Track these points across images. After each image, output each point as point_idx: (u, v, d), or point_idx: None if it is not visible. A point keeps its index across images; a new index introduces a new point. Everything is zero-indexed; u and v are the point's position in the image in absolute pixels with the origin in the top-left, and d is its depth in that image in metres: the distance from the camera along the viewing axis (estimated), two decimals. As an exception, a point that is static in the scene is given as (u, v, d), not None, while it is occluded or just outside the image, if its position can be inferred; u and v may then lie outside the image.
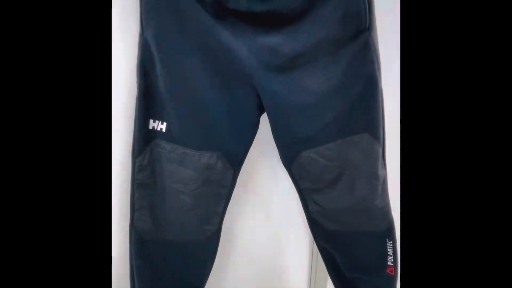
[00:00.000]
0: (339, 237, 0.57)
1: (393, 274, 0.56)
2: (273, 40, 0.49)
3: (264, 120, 0.56)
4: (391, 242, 0.55)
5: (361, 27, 0.49)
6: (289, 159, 0.55)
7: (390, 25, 0.57)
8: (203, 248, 0.57)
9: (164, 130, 0.52)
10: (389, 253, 0.55)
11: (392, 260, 0.55)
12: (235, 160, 0.56)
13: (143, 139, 0.52)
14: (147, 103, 0.52)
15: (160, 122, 0.52)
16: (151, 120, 0.52)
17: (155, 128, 0.52)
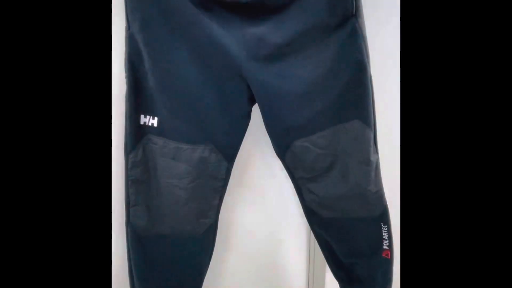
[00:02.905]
0: (335, 225, 0.57)
1: (389, 257, 0.57)
2: (260, 29, 0.49)
3: (257, 111, 0.56)
4: (386, 226, 0.56)
5: (348, 13, 0.49)
6: (282, 149, 0.56)
7: (389, 17, 0.57)
8: (200, 242, 0.57)
9: (155, 125, 0.52)
10: (384, 237, 0.56)
11: (388, 244, 0.56)
12: (228, 152, 0.56)
13: (135, 135, 0.52)
14: (137, 98, 0.51)
15: (151, 117, 0.52)
16: (142, 116, 0.52)
17: (147, 123, 0.52)
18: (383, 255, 0.56)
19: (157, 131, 0.52)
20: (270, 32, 0.49)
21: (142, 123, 0.52)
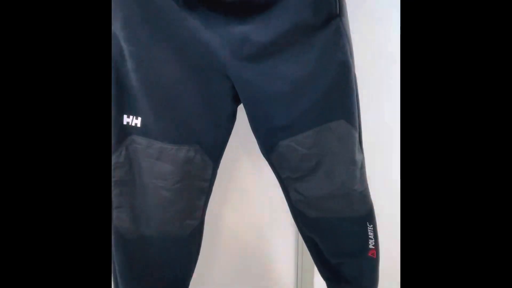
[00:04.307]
0: (321, 224, 0.57)
1: (374, 257, 0.57)
2: (245, 29, 0.48)
3: (243, 110, 0.55)
4: (371, 225, 0.56)
5: (332, 13, 0.49)
6: (268, 149, 0.55)
7: (390, 18, 0.58)
8: (186, 243, 0.57)
9: (139, 125, 0.51)
10: (370, 236, 0.56)
11: (374, 243, 0.56)
12: (214, 152, 0.56)
13: (118, 135, 0.51)
14: (120, 98, 0.51)
15: (134, 117, 0.51)
16: (125, 116, 0.51)
17: (130, 124, 0.51)
18: (369, 254, 0.57)
19: (141, 131, 0.51)
20: (255, 31, 0.48)
21: (125, 123, 0.51)
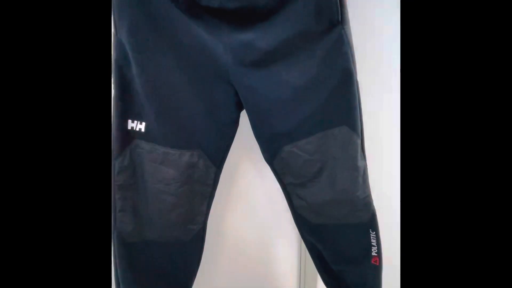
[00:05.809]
0: (323, 230, 0.57)
1: (377, 264, 0.56)
2: (247, 36, 0.49)
3: (246, 116, 0.56)
4: (374, 232, 0.56)
5: (333, 20, 0.49)
6: (271, 155, 0.56)
7: (391, 25, 0.58)
8: (188, 248, 0.57)
9: (143, 130, 0.52)
10: (373, 243, 0.56)
11: (376, 251, 0.56)
12: (216, 157, 0.56)
13: (122, 139, 0.52)
14: (125, 103, 0.52)
15: (139, 122, 0.52)
16: (130, 121, 0.52)
17: (134, 129, 0.52)
18: (372, 261, 0.56)
19: (145, 136, 0.52)
20: (257, 38, 0.49)
21: (129, 128, 0.52)
